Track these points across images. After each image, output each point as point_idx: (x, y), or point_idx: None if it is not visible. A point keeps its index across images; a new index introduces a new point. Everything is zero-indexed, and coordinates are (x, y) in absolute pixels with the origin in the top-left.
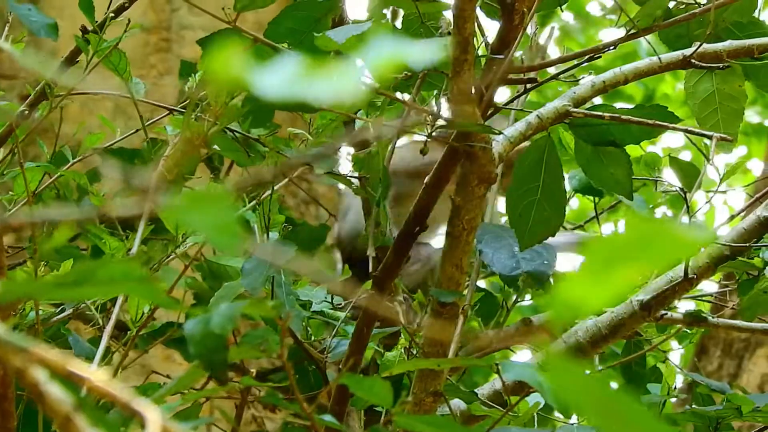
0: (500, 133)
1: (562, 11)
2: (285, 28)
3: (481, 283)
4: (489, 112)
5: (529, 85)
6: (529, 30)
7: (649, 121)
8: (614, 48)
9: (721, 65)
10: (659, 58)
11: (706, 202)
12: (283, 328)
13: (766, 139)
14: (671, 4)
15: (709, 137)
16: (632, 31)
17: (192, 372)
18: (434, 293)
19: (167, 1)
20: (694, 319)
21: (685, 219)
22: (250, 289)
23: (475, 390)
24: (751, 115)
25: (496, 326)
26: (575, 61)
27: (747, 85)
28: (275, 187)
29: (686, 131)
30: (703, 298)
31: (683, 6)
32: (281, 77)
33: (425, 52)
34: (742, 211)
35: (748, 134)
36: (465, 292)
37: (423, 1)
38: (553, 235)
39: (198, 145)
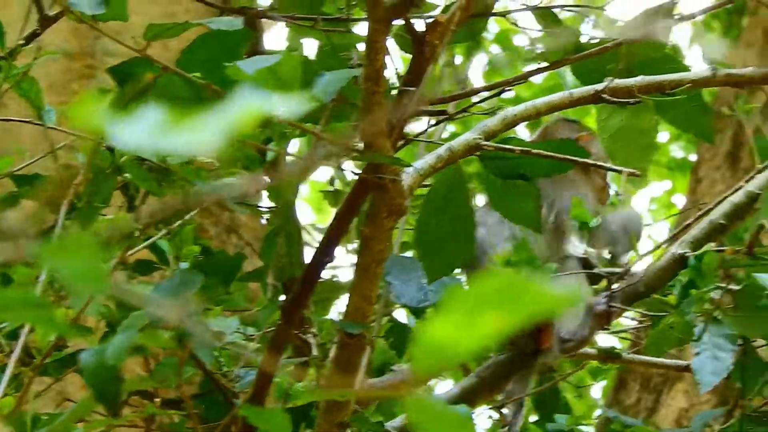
0: (409, 165)
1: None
2: (198, 57)
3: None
4: (400, 144)
5: (440, 118)
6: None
7: (559, 156)
8: (523, 81)
9: (631, 100)
10: (570, 93)
11: None
12: (181, 359)
13: (690, 173)
14: (585, 39)
15: (619, 172)
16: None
17: (84, 403)
18: (341, 325)
19: (90, 28)
20: (607, 355)
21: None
22: (157, 318)
23: (389, 422)
24: (676, 150)
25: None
26: (488, 93)
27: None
28: (189, 216)
29: (596, 166)
30: (620, 334)
31: (596, 40)
32: (141, 128)
33: (290, 104)
34: (658, 247)
35: (673, 169)
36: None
37: (335, 32)
38: (462, 268)
39: (65, 189)
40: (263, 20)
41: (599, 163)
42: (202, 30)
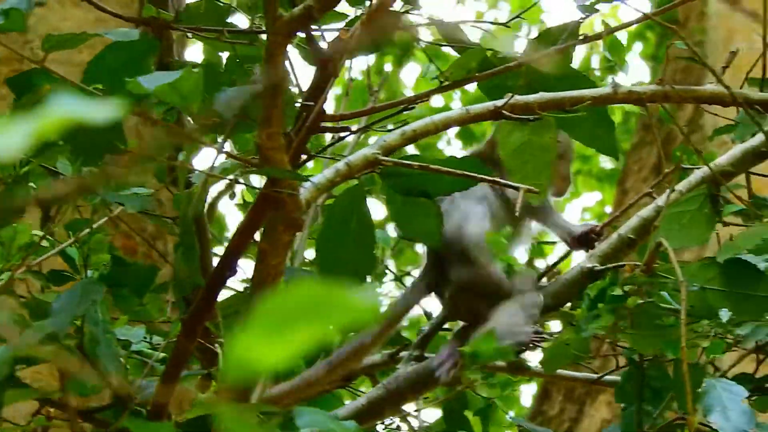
0: (306, 179)
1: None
2: (104, 67)
3: None
4: (302, 158)
5: (342, 134)
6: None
7: (459, 172)
8: (428, 99)
9: (531, 117)
10: (467, 110)
11: (539, 243)
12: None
13: (617, 185)
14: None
15: (517, 189)
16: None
17: None
18: None
19: (20, 34)
20: (516, 366)
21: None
22: (57, 329)
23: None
24: (605, 161)
25: None
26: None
27: None
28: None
29: (495, 183)
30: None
31: (501, 57)
32: None
33: (101, 111)
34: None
35: (602, 180)
36: None
37: (240, 44)
38: (363, 282)
39: None
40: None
41: (498, 180)
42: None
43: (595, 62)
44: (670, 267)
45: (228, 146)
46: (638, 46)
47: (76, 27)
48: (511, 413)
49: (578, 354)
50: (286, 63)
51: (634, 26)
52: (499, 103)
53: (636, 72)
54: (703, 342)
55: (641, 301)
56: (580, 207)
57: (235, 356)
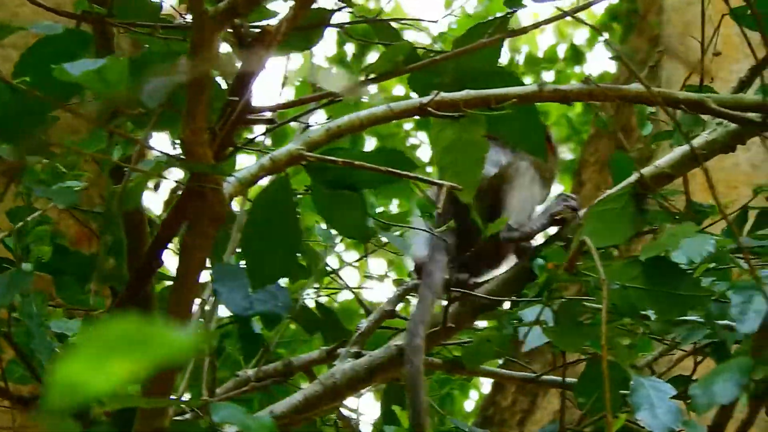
0: (231, 174)
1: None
2: (36, 61)
3: None
4: (229, 151)
5: (267, 126)
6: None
7: (382, 168)
8: (352, 95)
9: (456, 114)
10: (389, 107)
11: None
12: None
13: (573, 176)
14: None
15: (440, 186)
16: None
17: None
18: None
19: None
20: (453, 365)
21: None
22: None
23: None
24: (563, 152)
25: (256, 365)
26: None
27: (562, 122)
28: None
29: (419, 179)
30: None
31: (431, 53)
32: None
33: None
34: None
35: (561, 170)
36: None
37: (173, 40)
38: (286, 276)
39: None
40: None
41: (422, 177)
42: None
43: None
44: (594, 265)
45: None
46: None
47: (32, 13)
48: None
49: (499, 351)
50: (216, 56)
51: (599, 16)
52: (425, 100)
53: (602, 63)
54: (625, 339)
55: (563, 299)
56: None
57: (62, 379)
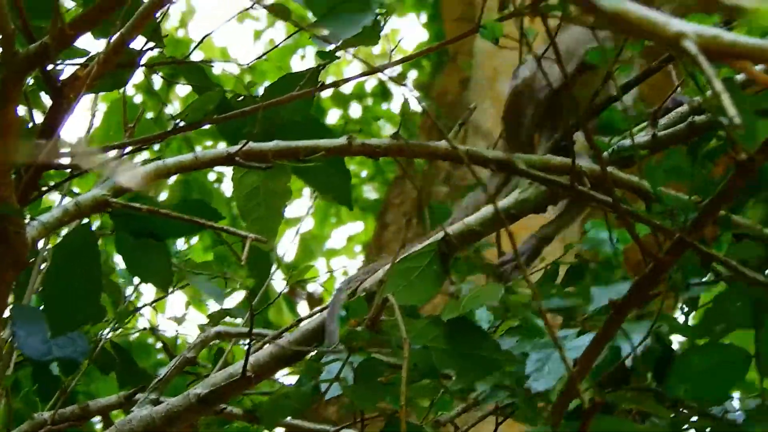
0: (34, 219)
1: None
2: None
3: None
4: (34, 195)
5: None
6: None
7: (186, 217)
8: (161, 140)
9: (263, 166)
10: (196, 156)
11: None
12: None
13: (377, 218)
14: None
15: (244, 237)
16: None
17: None
18: None
19: None
20: (252, 415)
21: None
22: None
23: None
24: (369, 191)
25: (53, 407)
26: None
27: (367, 161)
28: None
29: (222, 230)
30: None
31: (239, 99)
32: None
33: None
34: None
35: (366, 210)
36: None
37: None
38: (86, 324)
39: None
40: None
41: (225, 228)
42: None
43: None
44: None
45: None
46: (413, 74)
47: None
48: None
49: (299, 408)
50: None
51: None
52: (233, 149)
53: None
54: (425, 401)
55: (363, 357)
56: (345, 235)
57: None
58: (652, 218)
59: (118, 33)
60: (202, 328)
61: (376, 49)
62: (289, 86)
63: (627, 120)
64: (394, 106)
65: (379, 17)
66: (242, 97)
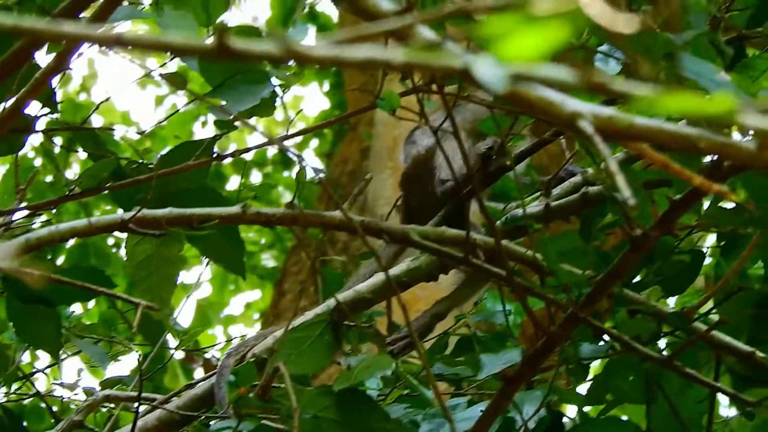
0: None
1: None
2: None
3: None
4: None
5: None
6: None
7: (78, 283)
8: (53, 207)
9: (157, 233)
10: (89, 221)
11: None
12: None
13: (274, 286)
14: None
15: (137, 305)
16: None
17: None
18: None
19: None
20: None
21: None
22: None
23: None
24: (267, 259)
25: None
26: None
27: (265, 230)
28: None
29: (115, 297)
30: None
31: (134, 167)
32: None
33: None
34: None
35: (264, 278)
36: None
37: None
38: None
39: None
40: None
41: (119, 295)
42: None
43: None
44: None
45: None
46: (314, 143)
47: None
48: None
49: None
50: None
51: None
52: (127, 216)
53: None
54: None
55: (254, 425)
56: (243, 302)
57: None
58: (546, 292)
59: (14, 98)
60: (88, 392)
61: (279, 116)
62: (185, 154)
63: (520, 189)
64: (295, 174)
65: (276, 89)
66: (136, 165)
